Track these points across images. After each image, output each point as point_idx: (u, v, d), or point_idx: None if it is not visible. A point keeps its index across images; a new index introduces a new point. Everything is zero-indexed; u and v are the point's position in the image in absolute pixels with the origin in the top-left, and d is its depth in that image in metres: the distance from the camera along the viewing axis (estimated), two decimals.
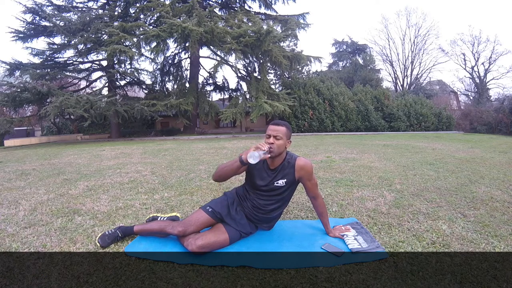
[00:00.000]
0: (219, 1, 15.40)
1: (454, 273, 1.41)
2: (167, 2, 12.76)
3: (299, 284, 1.36)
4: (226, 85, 16.74)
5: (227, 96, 17.05)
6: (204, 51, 15.37)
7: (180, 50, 15.20)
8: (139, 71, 14.24)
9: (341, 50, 28.35)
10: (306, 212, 2.33)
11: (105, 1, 13.68)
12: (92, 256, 1.63)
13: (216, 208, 1.82)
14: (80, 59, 13.39)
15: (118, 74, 13.66)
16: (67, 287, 1.36)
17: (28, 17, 12.16)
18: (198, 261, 1.56)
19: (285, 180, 1.81)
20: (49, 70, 12.43)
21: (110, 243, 1.75)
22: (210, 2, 15.25)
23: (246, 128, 19.76)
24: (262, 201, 1.83)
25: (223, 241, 1.68)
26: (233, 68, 14.84)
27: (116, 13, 13.07)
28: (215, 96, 23.10)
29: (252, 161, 1.62)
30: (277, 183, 1.80)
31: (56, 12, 12.33)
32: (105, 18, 12.72)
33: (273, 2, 15.01)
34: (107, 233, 1.80)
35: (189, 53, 13.66)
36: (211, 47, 13.87)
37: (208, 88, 16.83)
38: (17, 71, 12.33)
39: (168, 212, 2.33)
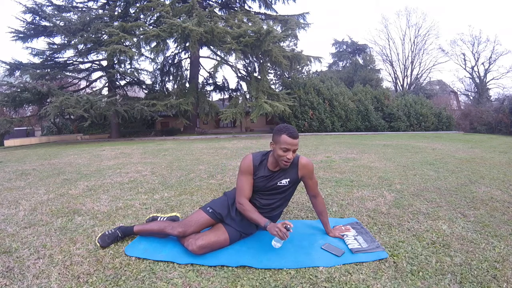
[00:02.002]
0: (219, 1, 15.40)
1: (454, 273, 1.41)
2: (167, 2, 12.76)
3: (299, 284, 1.36)
4: (226, 85, 16.75)
5: (227, 96, 17.06)
6: (204, 51, 15.41)
7: (180, 50, 15.21)
8: (139, 71, 14.25)
9: (341, 50, 28.38)
10: (306, 212, 2.33)
11: (105, 1, 13.69)
12: (92, 256, 1.63)
13: (217, 209, 1.81)
14: (80, 59, 13.40)
15: (118, 74, 13.65)
16: (67, 287, 1.36)
17: (28, 17, 12.18)
18: (198, 261, 1.56)
19: (289, 179, 1.81)
20: (49, 70, 12.44)
21: (110, 243, 1.75)
22: (210, 2, 15.26)
23: (246, 128, 19.76)
24: (264, 201, 1.83)
25: (223, 241, 1.68)
26: (233, 68, 14.85)
27: (116, 13, 13.07)
28: (215, 96, 23.15)
29: (278, 245, 1.64)
30: (280, 182, 1.80)
31: (56, 12, 12.33)
32: (105, 18, 12.72)
33: (273, 2, 15.01)
34: (107, 233, 1.80)
35: (189, 53, 13.66)
36: (211, 47, 13.88)
37: (208, 88, 16.85)
38: (17, 71, 12.34)
39: (168, 212, 2.33)
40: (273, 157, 1.77)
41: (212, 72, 14.32)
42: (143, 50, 12.37)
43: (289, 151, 1.66)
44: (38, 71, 11.73)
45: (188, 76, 15.24)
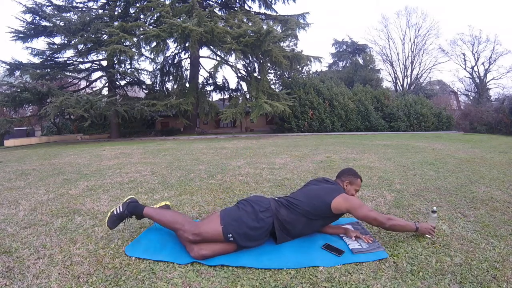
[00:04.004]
0: (219, 1, 15.39)
1: (454, 273, 1.41)
2: (167, 2, 12.75)
3: (299, 284, 1.36)
4: (226, 85, 16.74)
5: (227, 96, 17.04)
6: (204, 51, 15.38)
7: (180, 50, 15.20)
8: (139, 71, 14.23)
9: (341, 50, 28.36)
10: None
11: (105, 1, 13.68)
12: (92, 256, 1.64)
13: (240, 241, 1.64)
14: (80, 59, 13.39)
15: (118, 74, 13.65)
16: (67, 287, 1.36)
17: (28, 17, 12.16)
18: (198, 261, 1.56)
19: None
20: (49, 70, 12.41)
21: (118, 224, 1.81)
22: (210, 2, 15.25)
23: (246, 128, 19.75)
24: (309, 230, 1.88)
25: (227, 251, 1.64)
26: (233, 68, 14.84)
27: (116, 13, 13.06)
28: (215, 96, 23.10)
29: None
30: None
31: (56, 12, 12.32)
32: (105, 18, 12.70)
33: (273, 2, 15.00)
34: (115, 213, 1.80)
35: (189, 53, 13.66)
36: (211, 47, 13.87)
37: (208, 88, 16.83)
38: (17, 71, 12.33)
39: None
40: None
41: (212, 72, 14.32)
42: (143, 50, 12.37)
43: (358, 191, 2.01)
44: (38, 71, 11.72)
45: (188, 76, 15.23)
